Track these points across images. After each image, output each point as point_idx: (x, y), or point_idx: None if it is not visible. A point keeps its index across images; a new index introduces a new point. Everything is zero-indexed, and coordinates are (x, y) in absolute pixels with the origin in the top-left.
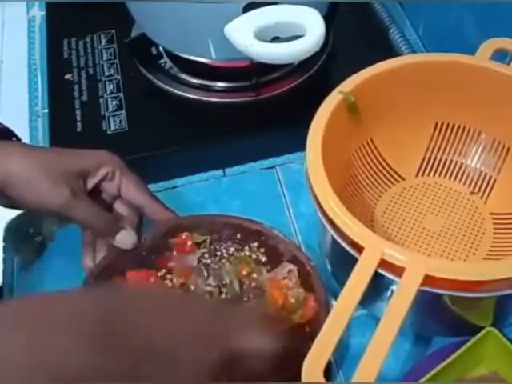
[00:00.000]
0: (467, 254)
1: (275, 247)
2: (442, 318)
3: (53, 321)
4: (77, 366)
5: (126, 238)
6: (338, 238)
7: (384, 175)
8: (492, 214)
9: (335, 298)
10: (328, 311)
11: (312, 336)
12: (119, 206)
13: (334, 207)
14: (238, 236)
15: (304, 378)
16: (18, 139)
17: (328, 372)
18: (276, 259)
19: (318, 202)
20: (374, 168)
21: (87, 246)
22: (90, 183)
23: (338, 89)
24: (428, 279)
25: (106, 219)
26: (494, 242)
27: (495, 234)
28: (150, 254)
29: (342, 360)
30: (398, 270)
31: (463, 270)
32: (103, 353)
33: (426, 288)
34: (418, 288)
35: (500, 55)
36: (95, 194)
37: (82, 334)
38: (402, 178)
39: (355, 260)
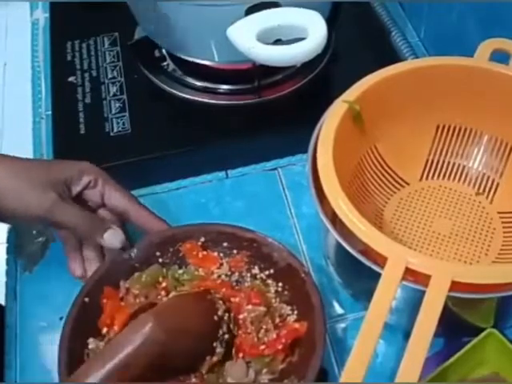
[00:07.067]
0: (479, 255)
1: (269, 255)
2: (444, 319)
3: None
4: None
5: (113, 237)
6: (351, 250)
7: (389, 181)
8: (499, 213)
9: (336, 299)
10: (323, 316)
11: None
12: (103, 213)
13: (353, 218)
14: (232, 244)
15: None
16: None
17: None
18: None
19: (331, 210)
20: (379, 174)
21: (72, 253)
22: (74, 191)
23: (342, 97)
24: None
25: (93, 219)
26: (504, 241)
27: (505, 232)
28: (143, 264)
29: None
30: (423, 278)
31: (488, 274)
32: None
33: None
34: (446, 295)
35: (499, 56)
36: (79, 203)
37: None
38: (407, 183)
39: (360, 261)
